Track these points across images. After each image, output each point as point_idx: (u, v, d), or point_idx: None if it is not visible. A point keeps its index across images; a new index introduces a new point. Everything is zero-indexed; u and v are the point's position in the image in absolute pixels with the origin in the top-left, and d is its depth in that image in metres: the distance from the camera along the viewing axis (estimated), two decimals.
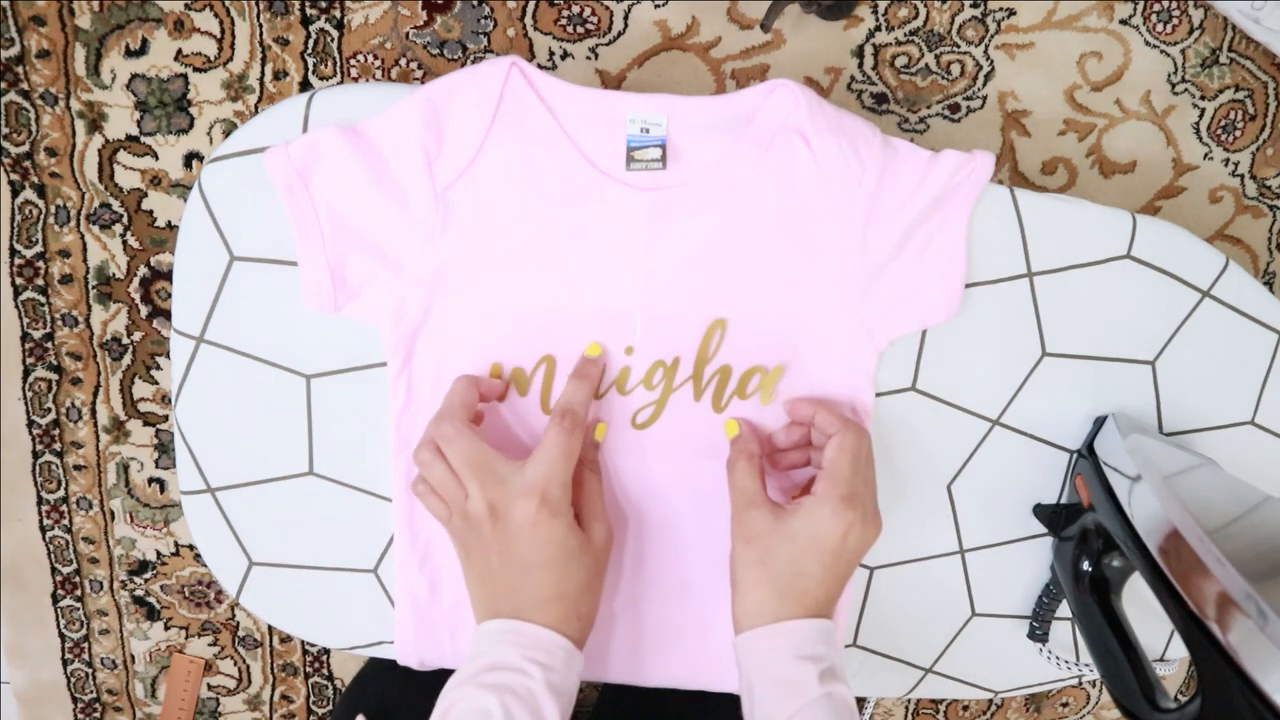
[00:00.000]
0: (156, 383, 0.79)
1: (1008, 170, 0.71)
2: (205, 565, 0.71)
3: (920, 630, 0.67)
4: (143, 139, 0.71)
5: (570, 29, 0.67)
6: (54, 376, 0.79)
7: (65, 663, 0.92)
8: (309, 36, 0.67)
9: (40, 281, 0.75)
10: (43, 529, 0.85)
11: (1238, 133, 0.70)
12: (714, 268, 0.57)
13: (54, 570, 0.87)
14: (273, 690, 0.94)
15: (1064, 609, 0.66)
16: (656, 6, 0.66)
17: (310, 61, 0.68)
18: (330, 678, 0.93)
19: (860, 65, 0.68)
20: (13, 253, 0.75)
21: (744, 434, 0.58)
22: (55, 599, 0.88)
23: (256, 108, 0.69)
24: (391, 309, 0.57)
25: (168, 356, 0.70)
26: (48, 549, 0.86)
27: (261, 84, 0.69)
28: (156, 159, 0.71)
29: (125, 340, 0.77)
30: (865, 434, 0.55)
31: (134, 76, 0.69)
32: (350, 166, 0.55)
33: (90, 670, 0.92)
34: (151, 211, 0.73)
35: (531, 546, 0.51)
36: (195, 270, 0.59)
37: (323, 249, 0.56)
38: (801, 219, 0.57)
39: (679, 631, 0.63)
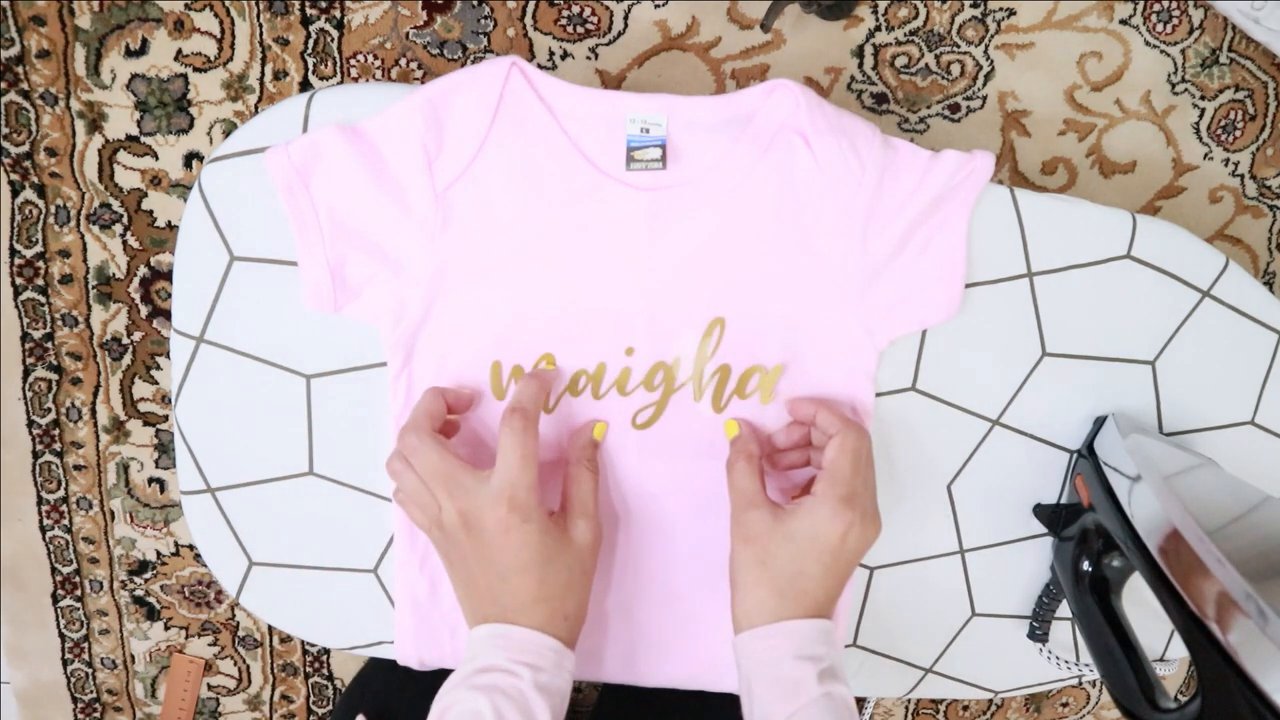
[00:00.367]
0: (156, 383, 0.79)
1: (1008, 170, 0.71)
2: (205, 565, 0.71)
3: (920, 630, 0.67)
4: (143, 139, 0.71)
5: (570, 29, 0.67)
6: (54, 376, 0.79)
7: (65, 663, 0.92)
8: (309, 36, 0.67)
9: (40, 281, 0.75)
10: (43, 529, 0.85)
11: (1238, 133, 0.70)
12: (714, 268, 0.57)
13: (54, 570, 0.87)
14: (273, 690, 0.94)
15: (1064, 609, 0.66)
16: (656, 6, 0.66)
17: (310, 61, 0.68)
18: (330, 678, 0.93)
19: (860, 65, 0.68)
20: (13, 253, 0.75)
21: (743, 434, 0.58)
22: (55, 599, 0.88)
23: (256, 108, 0.69)
24: (391, 309, 0.57)
25: (168, 356, 0.70)
26: (48, 549, 0.86)
27: (261, 84, 0.69)
28: (156, 159, 0.71)
29: (125, 340, 0.77)
30: (866, 435, 0.55)
31: (134, 76, 0.69)
32: (350, 166, 0.55)
33: (90, 670, 0.92)
34: (151, 211, 0.73)
35: (506, 552, 0.51)
36: (195, 270, 0.59)
37: (323, 249, 0.56)
38: (801, 219, 0.57)
39: (677, 631, 0.63)
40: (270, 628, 0.91)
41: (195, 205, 0.58)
